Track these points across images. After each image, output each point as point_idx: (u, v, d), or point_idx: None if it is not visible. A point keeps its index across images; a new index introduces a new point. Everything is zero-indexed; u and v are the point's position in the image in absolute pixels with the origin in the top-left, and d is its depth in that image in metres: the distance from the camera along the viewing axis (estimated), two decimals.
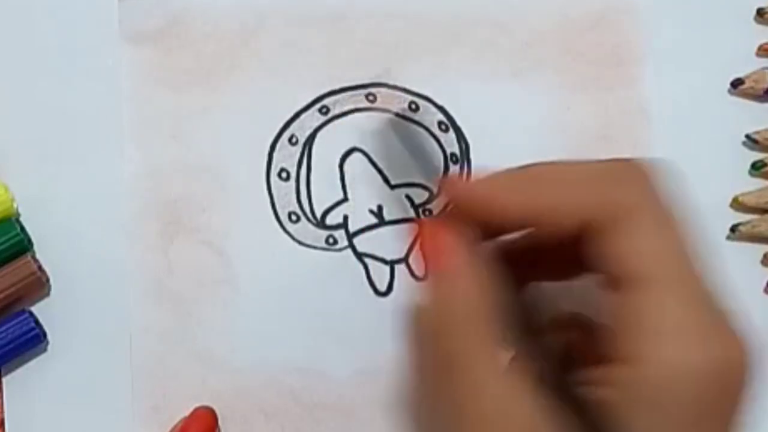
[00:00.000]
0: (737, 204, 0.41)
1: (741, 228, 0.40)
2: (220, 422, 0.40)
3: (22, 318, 0.39)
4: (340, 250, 0.41)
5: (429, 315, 0.32)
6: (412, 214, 0.41)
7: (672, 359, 0.29)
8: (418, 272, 0.41)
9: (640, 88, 0.42)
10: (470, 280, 0.31)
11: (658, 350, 0.29)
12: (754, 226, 0.40)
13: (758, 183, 0.41)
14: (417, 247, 0.36)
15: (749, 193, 0.41)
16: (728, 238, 0.41)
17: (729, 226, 0.41)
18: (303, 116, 0.41)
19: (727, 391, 0.29)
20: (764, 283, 0.41)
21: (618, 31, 0.42)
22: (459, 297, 0.31)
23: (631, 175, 0.31)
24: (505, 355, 0.31)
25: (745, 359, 0.30)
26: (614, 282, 0.30)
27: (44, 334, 0.39)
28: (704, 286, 0.30)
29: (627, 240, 0.30)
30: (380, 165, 0.41)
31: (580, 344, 0.33)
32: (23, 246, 0.39)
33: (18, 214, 0.40)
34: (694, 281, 0.30)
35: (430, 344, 0.32)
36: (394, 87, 0.42)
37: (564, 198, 0.31)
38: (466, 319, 0.31)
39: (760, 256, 0.41)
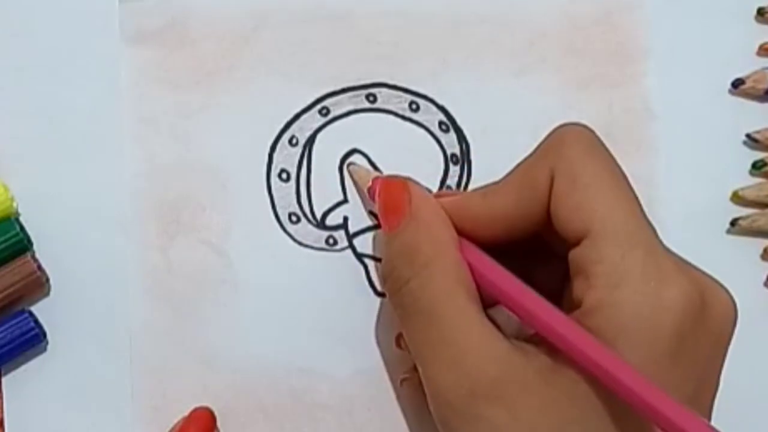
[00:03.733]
0: (737, 198, 0.41)
1: (741, 222, 0.40)
2: (220, 422, 0.39)
3: (21, 318, 0.39)
4: (340, 250, 0.41)
5: (398, 261, 0.34)
6: None
7: (633, 300, 0.30)
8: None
9: (643, 86, 0.42)
10: (436, 222, 0.34)
11: (619, 293, 0.30)
12: (753, 221, 0.40)
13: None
14: (379, 204, 0.37)
15: (749, 187, 0.41)
16: (728, 232, 0.41)
17: (729, 220, 0.41)
18: (303, 117, 0.41)
19: (699, 326, 0.30)
20: (764, 277, 0.41)
21: (620, 30, 0.42)
22: (429, 239, 0.33)
23: (569, 139, 0.33)
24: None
25: (714, 297, 0.31)
26: (574, 239, 0.32)
27: (44, 334, 0.39)
28: (656, 235, 0.32)
29: (578, 195, 0.32)
30: (380, 166, 0.41)
31: None
32: (23, 245, 0.39)
33: (18, 214, 0.40)
34: (646, 228, 0.31)
35: (400, 292, 0.33)
36: (395, 87, 0.41)
37: (522, 186, 0.33)
38: (437, 258, 0.33)
39: (760, 251, 0.41)
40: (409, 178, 0.36)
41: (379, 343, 0.40)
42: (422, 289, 0.33)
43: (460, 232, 0.34)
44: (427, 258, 0.33)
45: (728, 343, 0.32)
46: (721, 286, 0.32)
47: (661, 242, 0.32)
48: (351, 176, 0.41)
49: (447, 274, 0.32)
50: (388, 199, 0.36)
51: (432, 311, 0.32)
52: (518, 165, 0.34)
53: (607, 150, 0.33)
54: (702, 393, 0.31)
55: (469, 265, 0.33)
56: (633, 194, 0.32)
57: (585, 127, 0.34)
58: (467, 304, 0.32)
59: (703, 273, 0.32)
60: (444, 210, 0.34)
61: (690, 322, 0.30)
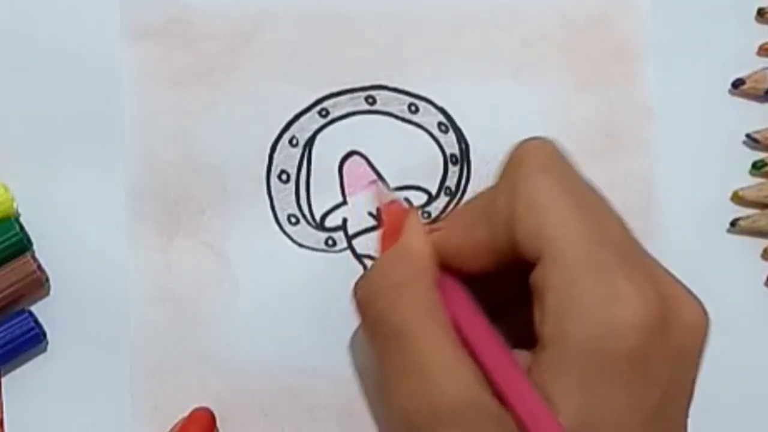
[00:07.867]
0: (737, 198, 0.41)
1: (741, 222, 0.40)
2: (219, 422, 0.39)
3: (21, 318, 0.39)
4: (340, 251, 0.41)
5: (370, 283, 0.34)
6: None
7: (581, 329, 0.29)
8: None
9: (643, 86, 0.41)
10: (417, 254, 0.34)
11: (568, 323, 0.30)
12: (754, 221, 0.40)
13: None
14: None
15: (749, 187, 0.41)
16: (728, 232, 0.41)
17: (729, 220, 0.41)
18: (303, 118, 0.41)
19: (659, 343, 0.29)
20: (764, 277, 0.41)
21: (618, 30, 0.42)
22: (406, 263, 0.34)
23: (526, 157, 0.33)
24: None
25: (681, 311, 0.30)
26: (532, 264, 0.31)
27: (44, 334, 0.40)
28: (617, 247, 0.31)
29: (532, 218, 0.31)
30: (379, 168, 0.41)
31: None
32: (23, 245, 0.39)
33: (18, 214, 0.40)
34: (600, 249, 0.30)
35: (366, 313, 0.34)
36: (394, 89, 0.41)
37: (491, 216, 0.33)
38: (406, 285, 0.33)
39: (760, 251, 0.41)
40: (411, 209, 0.38)
41: None
42: (388, 313, 0.32)
43: (450, 266, 0.34)
44: (395, 284, 0.33)
45: (698, 355, 0.31)
46: (692, 297, 0.31)
47: (628, 256, 0.31)
48: (375, 195, 0.41)
49: (413, 300, 0.32)
50: (387, 225, 0.37)
51: (397, 335, 0.32)
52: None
53: (567, 164, 0.33)
54: (669, 407, 0.30)
55: (445, 299, 0.33)
56: (591, 213, 0.31)
57: (544, 140, 0.33)
58: (433, 330, 0.31)
59: (675, 284, 0.31)
60: (434, 245, 0.34)
61: (646, 341, 0.29)
